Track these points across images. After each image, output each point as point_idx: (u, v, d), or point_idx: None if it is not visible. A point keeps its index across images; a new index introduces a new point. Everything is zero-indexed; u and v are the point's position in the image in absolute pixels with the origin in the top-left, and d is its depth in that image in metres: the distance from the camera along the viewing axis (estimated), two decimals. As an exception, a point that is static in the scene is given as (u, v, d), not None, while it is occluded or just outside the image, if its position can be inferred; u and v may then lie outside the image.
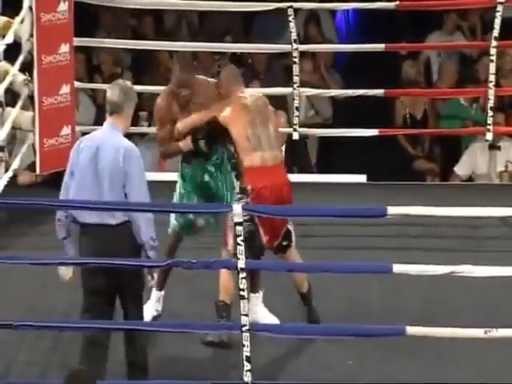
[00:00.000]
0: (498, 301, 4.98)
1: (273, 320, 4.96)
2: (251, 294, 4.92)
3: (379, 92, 6.55)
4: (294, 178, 6.81)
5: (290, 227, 4.96)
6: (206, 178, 5.06)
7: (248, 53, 7.56)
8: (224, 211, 4.59)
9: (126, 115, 4.41)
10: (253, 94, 5.13)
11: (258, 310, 5.00)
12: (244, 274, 4.36)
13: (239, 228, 4.36)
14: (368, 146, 6.84)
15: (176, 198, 5.11)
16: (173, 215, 5.03)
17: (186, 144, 5.01)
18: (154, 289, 4.96)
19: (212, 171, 5.07)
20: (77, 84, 6.28)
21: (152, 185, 6.45)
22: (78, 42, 6.34)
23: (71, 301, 4.89)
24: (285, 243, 4.97)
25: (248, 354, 4.35)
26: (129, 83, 4.58)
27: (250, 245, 4.59)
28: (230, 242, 4.79)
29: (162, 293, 5.09)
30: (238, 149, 4.92)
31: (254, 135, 4.91)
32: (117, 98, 4.37)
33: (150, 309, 5.01)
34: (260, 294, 5.05)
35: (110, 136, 4.37)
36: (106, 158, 4.32)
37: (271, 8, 6.58)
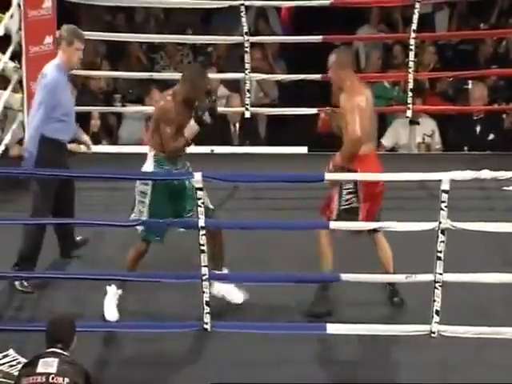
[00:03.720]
0: (417, 251, 4.94)
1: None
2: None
3: (317, 77, 6.49)
4: (247, 149, 6.80)
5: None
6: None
7: (207, 44, 7.47)
8: (186, 178, 4.49)
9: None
10: None
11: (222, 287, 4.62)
12: (203, 232, 4.30)
13: (200, 193, 4.28)
14: (309, 122, 6.77)
15: (145, 210, 4.49)
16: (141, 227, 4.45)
17: (189, 130, 4.44)
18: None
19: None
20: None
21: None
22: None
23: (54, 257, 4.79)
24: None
25: (207, 299, 4.30)
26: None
27: (351, 219, 4.46)
28: (334, 208, 4.58)
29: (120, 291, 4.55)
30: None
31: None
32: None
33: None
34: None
35: None
36: None
37: (226, 5, 6.49)
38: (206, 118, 4.56)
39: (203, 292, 4.28)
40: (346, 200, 4.61)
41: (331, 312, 4.58)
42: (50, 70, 4.82)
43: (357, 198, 4.60)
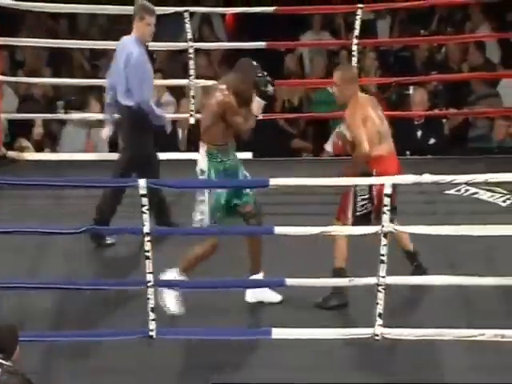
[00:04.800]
0: (358, 254, 5.00)
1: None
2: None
3: (262, 83, 6.50)
4: (193, 156, 6.76)
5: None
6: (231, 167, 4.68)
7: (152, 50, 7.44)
8: (130, 185, 4.47)
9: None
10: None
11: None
12: (149, 238, 4.28)
13: (144, 199, 4.26)
14: (253, 128, 6.79)
15: (207, 207, 4.63)
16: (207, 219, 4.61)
17: (257, 106, 4.64)
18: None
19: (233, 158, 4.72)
20: (1, 78, 6.07)
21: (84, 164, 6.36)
22: (1, 41, 6.14)
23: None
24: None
25: (152, 306, 4.29)
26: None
27: (365, 223, 4.52)
28: (349, 214, 4.64)
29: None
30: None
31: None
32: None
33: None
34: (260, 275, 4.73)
35: None
36: None
37: (170, 12, 6.49)
38: (269, 90, 4.68)
39: (148, 299, 4.27)
40: (362, 206, 4.69)
41: (346, 304, 4.66)
42: (133, 46, 5.18)
43: (371, 203, 4.68)
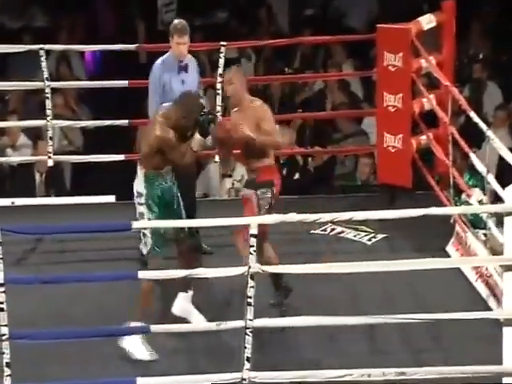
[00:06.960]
0: (229, 298, 5.05)
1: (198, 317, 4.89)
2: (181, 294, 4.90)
3: (124, 122, 6.51)
4: (51, 200, 6.68)
5: None
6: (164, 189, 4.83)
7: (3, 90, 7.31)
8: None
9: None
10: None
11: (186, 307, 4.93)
12: (3, 289, 4.17)
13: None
14: (116, 169, 6.78)
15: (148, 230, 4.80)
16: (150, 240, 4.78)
17: (196, 143, 4.78)
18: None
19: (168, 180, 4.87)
20: None
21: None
22: None
23: None
24: None
25: (8, 361, 4.18)
26: None
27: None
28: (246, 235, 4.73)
29: None
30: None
31: None
32: None
33: None
34: (189, 294, 4.95)
35: None
36: None
37: (23, 50, 6.40)
38: (212, 129, 4.85)
39: (2, 353, 4.15)
40: (266, 209, 4.96)
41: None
42: (159, 59, 5.56)
43: (272, 194, 4.98)
